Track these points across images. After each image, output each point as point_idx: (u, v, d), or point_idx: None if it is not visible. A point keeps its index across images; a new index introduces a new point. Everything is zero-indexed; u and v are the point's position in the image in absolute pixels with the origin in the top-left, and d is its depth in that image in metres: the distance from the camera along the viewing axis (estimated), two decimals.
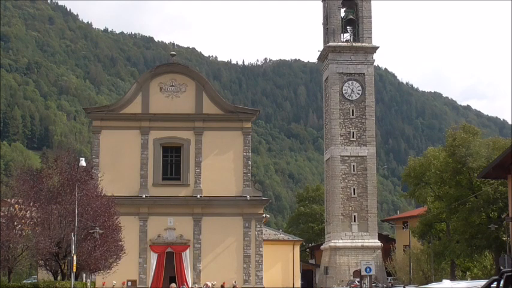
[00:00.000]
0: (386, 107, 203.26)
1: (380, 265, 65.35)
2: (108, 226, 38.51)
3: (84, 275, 44.30)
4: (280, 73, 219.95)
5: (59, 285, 34.47)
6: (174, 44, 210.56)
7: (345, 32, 70.93)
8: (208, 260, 54.63)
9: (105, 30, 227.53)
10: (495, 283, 19.54)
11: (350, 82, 68.63)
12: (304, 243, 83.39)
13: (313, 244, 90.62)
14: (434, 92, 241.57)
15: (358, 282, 54.18)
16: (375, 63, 71.86)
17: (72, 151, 45.15)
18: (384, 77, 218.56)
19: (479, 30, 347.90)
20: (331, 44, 69.16)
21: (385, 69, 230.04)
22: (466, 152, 50.01)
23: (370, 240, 66.58)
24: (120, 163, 55.08)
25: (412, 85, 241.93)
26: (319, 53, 72.43)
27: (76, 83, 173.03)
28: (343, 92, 68.49)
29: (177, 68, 58.19)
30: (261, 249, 55.32)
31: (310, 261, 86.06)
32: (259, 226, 55.64)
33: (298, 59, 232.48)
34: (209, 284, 52.21)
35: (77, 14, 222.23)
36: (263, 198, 57.87)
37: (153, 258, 54.06)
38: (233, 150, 56.28)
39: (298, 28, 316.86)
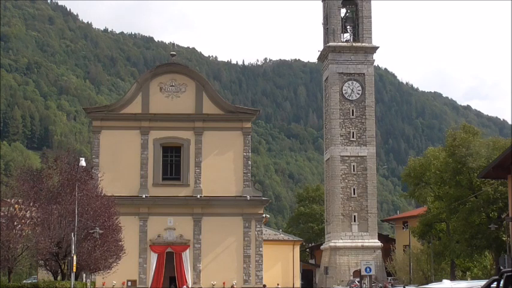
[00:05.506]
0: (386, 107, 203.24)
1: (380, 265, 65.34)
2: (108, 226, 38.53)
3: (84, 275, 44.29)
4: (280, 73, 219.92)
5: (59, 285, 34.47)
6: (174, 44, 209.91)
7: (345, 32, 70.95)
8: (208, 260, 54.64)
9: (105, 30, 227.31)
10: (495, 283, 19.55)
11: (350, 82, 68.63)
12: (304, 243, 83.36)
13: (313, 244, 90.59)
14: (435, 92, 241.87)
15: (358, 282, 54.21)
16: (375, 63, 72.01)
17: (72, 151, 45.13)
18: (384, 77, 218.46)
19: (481, 30, 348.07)
20: (331, 44, 69.15)
21: (385, 69, 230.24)
22: (466, 152, 49.96)
23: (370, 240, 66.57)
24: (120, 163, 55.09)
25: (412, 85, 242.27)
26: (319, 53, 72.42)
27: (76, 83, 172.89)
28: (343, 92, 68.48)
29: (177, 68, 58.21)
30: (261, 249, 55.33)
31: (310, 261, 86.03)
32: (259, 226, 55.64)
33: (298, 59, 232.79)
34: None
35: (77, 14, 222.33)
36: (263, 198, 57.89)
37: (153, 258, 54.07)
38: (233, 150, 56.28)
39: (298, 28, 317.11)
